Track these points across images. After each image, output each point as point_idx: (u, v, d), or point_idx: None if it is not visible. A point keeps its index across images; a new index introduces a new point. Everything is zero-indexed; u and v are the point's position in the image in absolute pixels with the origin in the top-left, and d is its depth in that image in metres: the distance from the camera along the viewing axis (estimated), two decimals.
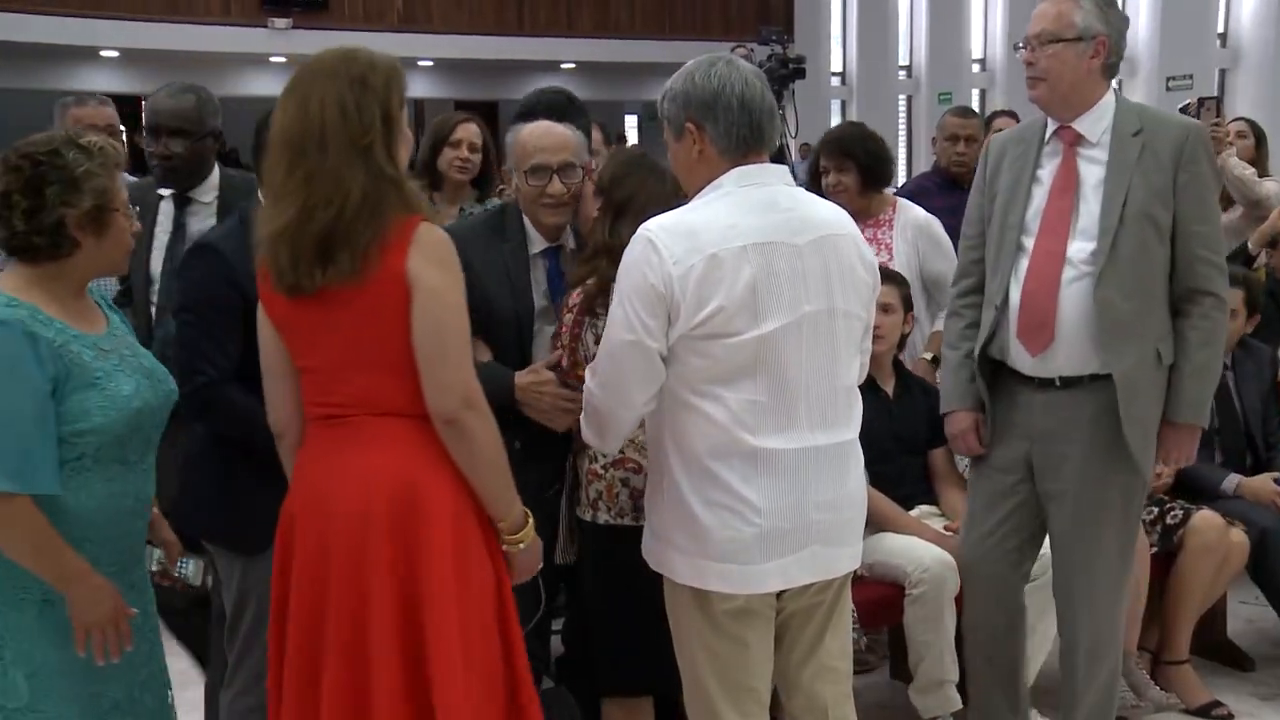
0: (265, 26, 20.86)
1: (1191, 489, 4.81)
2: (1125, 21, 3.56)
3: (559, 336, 3.46)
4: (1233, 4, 17.51)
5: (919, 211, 4.88)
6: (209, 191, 4.25)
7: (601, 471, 3.38)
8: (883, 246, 4.71)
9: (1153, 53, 18.04)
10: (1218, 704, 4.53)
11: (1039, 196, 3.60)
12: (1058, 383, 3.59)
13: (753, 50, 12.05)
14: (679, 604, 2.95)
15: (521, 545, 2.83)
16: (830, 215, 2.96)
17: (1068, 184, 3.56)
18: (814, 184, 4.74)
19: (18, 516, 2.63)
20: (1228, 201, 6.16)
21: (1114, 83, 3.62)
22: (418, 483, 2.67)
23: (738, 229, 2.77)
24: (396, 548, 2.64)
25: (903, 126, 23.35)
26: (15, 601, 2.73)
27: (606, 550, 3.39)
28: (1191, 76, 17.04)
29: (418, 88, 24.28)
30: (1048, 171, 3.61)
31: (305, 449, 2.78)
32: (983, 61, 20.58)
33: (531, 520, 2.85)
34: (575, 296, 3.42)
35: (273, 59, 21.34)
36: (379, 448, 2.68)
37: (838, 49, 23.55)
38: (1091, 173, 3.50)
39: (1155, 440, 3.58)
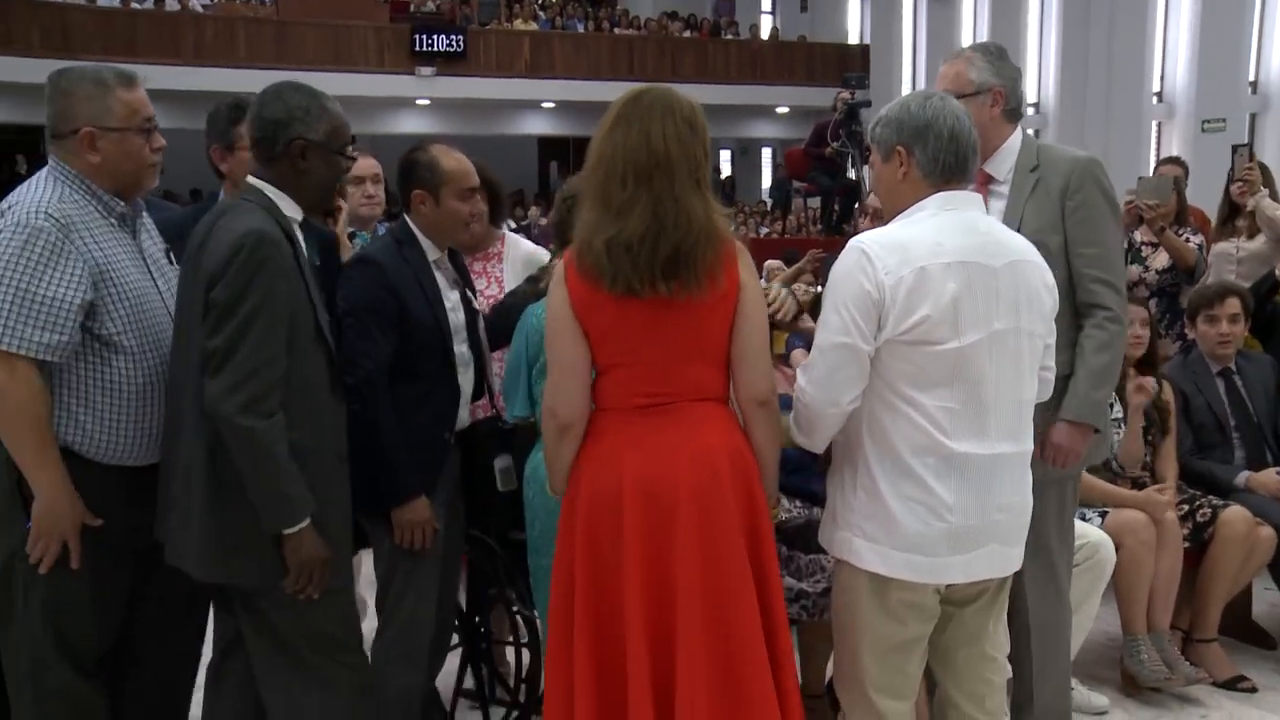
0: (413, 74, 21.18)
1: (1208, 486, 4.77)
2: (1018, 71, 3.46)
3: None
4: (1263, 56, 17.11)
5: (528, 245, 4.48)
6: None
7: None
8: (493, 279, 4.27)
9: (1189, 98, 17.65)
10: (1243, 678, 4.45)
11: None
12: None
13: (850, 93, 11.98)
14: (854, 588, 2.81)
15: (781, 518, 2.89)
16: (1020, 242, 2.85)
17: None
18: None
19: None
20: (1252, 231, 6.12)
21: (1025, 128, 3.51)
22: (744, 451, 2.75)
23: (943, 247, 2.67)
24: (741, 509, 2.70)
25: None
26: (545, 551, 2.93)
27: None
28: (1225, 120, 16.67)
29: (541, 125, 24.56)
30: None
31: (615, 435, 2.73)
32: (1037, 105, 20.23)
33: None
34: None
35: (418, 102, 21.67)
36: (710, 426, 2.72)
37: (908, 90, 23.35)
38: (996, 207, 3.40)
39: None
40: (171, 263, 3.11)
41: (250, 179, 2.94)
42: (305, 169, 2.93)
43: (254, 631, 2.95)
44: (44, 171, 2.91)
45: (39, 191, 2.84)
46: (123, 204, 2.95)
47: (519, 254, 4.34)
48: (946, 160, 2.75)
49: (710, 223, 2.66)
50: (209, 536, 2.80)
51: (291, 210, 2.93)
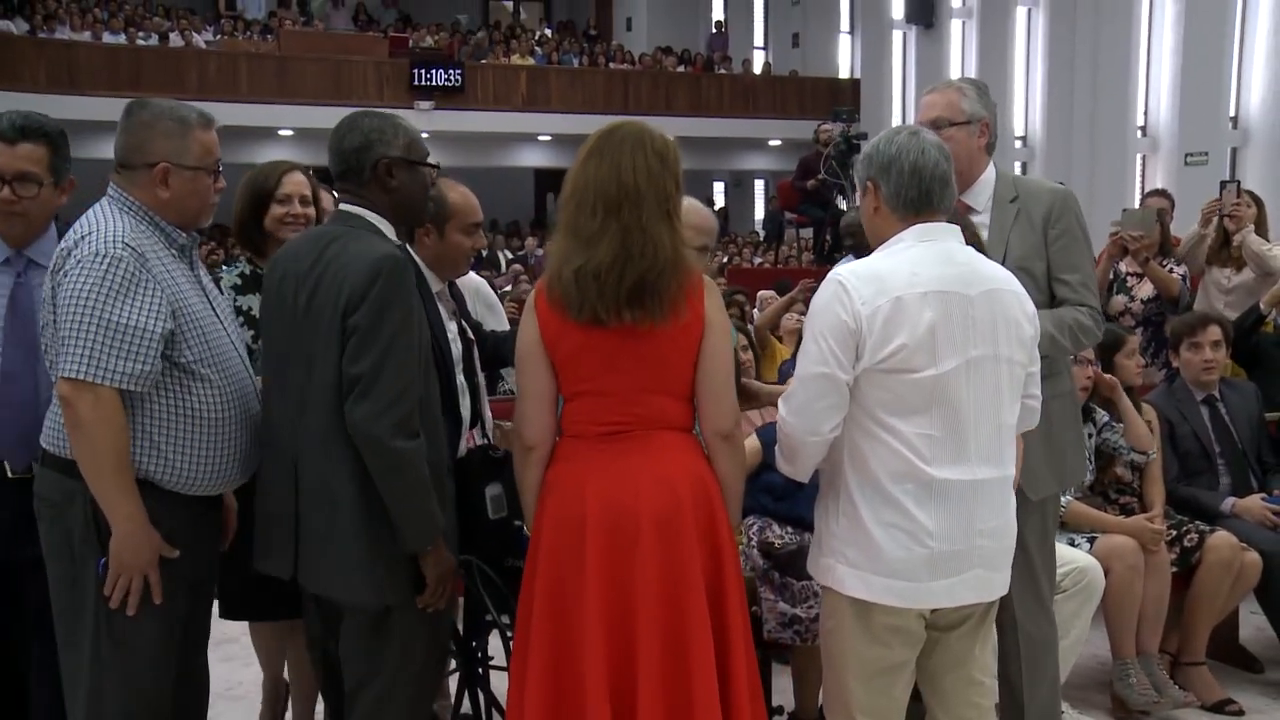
0: (412, 108, 21.19)
1: (1194, 512, 4.76)
2: (994, 107, 3.52)
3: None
4: (1243, 91, 17.21)
5: (472, 276, 4.33)
6: None
7: None
8: None
9: (1172, 132, 17.72)
10: (1230, 701, 4.43)
11: None
12: None
13: (847, 127, 11.94)
14: (838, 613, 2.80)
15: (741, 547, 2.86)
16: (997, 271, 2.85)
17: None
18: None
19: None
20: (1241, 263, 6.14)
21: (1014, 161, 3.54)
22: (707, 478, 2.74)
23: (919, 277, 2.68)
24: (702, 535, 2.69)
25: None
26: None
27: None
28: (1207, 153, 16.75)
29: (538, 158, 24.57)
30: None
31: (580, 461, 2.74)
32: (1023, 139, 20.31)
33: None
34: None
35: None
36: (673, 455, 2.72)
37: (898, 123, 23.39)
38: None
39: (1039, 466, 3.33)
40: (221, 292, 3.07)
41: (345, 206, 2.91)
42: (394, 186, 2.90)
43: (376, 652, 2.87)
44: (105, 202, 2.85)
45: (111, 222, 2.77)
46: (184, 235, 2.91)
47: (467, 282, 4.24)
48: (908, 194, 2.77)
49: (677, 254, 2.67)
50: (364, 561, 2.77)
51: (391, 234, 2.92)
